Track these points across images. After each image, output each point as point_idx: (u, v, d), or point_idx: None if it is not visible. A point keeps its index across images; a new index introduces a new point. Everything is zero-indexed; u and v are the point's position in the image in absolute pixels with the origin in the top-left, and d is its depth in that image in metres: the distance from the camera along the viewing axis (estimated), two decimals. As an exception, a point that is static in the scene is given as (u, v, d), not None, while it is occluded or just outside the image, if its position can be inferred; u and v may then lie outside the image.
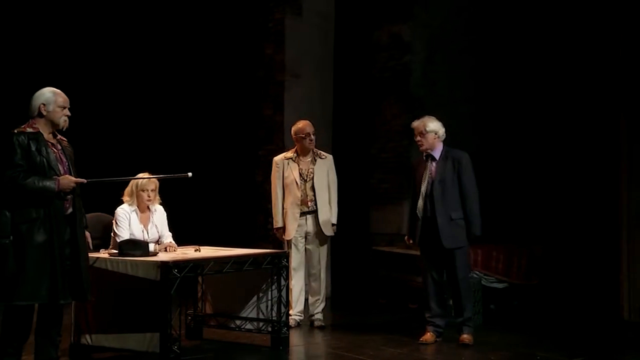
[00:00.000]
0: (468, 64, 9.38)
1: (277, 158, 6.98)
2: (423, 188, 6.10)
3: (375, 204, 9.30)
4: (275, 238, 7.34)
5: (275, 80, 9.03)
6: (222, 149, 9.86)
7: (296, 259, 6.87)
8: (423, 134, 6.12)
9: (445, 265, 6.16)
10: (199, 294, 6.47)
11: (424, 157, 6.23)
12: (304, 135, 6.83)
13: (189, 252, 5.90)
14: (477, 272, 7.86)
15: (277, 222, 6.88)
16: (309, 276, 7.03)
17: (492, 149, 9.29)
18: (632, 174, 7.26)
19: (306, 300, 7.14)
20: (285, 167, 6.85)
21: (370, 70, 9.39)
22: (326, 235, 6.90)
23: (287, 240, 6.89)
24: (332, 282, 8.85)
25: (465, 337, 6.18)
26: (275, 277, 6.04)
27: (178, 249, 6.00)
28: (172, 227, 6.18)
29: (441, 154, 6.18)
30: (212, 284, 6.38)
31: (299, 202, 6.79)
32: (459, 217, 6.07)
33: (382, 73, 9.28)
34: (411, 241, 6.27)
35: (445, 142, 6.31)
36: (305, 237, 6.90)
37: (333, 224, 6.94)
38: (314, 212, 6.83)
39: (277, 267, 6.01)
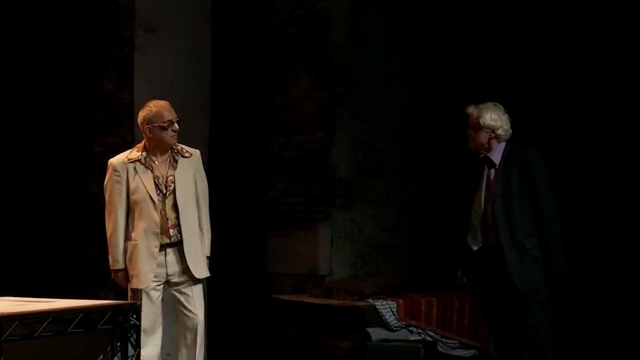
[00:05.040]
0: (415, 18, 9.56)
1: (116, 160, 6.83)
2: (479, 207, 6.56)
3: (276, 228, 9.32)
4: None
5: (120, 36, 8.87)
6: (36, 143, 9.53)
7: (150, 315, 6.68)
8: (476, 127, 6.56)
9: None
10: (-4, 371, 6.19)
11: (479, 161, 6.65)
12: (165, 124, 6.68)
13: (-23, 306, 5.56)
14: (431, 333, 8.04)
15: (116, 262, 6.77)
16: (173, 341, 6.92)
17: (447, 143, 9.33)
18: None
19: (170, 378, 7.13)
20: (130, 175, 6.75)
21: (268, 25, 9.44)
22: (198, 279, 6.77)
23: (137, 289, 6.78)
24: (210, 348, 8.42)
25: None
26: (118, 344, 5.85)
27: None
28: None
29: (502, 158, 6.55)
30: (17, 354, 5.79)
31: (158, 230, 6.66)
32: (534, 245, 6.42)
33: (286, 28, 9.30)
34: (465, 280, 6.65)
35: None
36: (167, 282, 6.75)
37: (207, 258, 6.87)
38: (179, 244, 6.70)
39: (122, 329, 5.78)
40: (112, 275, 6.82)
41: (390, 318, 7.95)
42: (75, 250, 9.09)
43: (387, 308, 7.98)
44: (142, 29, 8.78)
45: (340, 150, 9.22)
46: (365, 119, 9.26)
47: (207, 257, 6.82)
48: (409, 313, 8.02)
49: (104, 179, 7.23)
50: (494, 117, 6.52)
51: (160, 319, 6.73)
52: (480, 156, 6.58)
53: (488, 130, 6.51)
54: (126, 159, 6.72)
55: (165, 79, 8.67)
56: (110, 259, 6.76)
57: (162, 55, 8.85)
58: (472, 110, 6.59)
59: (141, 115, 6.75)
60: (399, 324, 7.97)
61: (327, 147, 9.11)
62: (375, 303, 8.00)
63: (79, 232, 9.07)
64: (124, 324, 5.76)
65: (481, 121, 6.51)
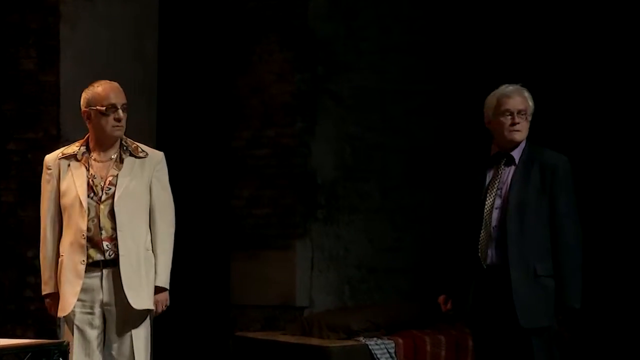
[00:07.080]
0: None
1: (50, 156, 6.69)
2: (485, 214, 6.32)
3: (242, 247, 9.33)
4: (45, 316, 7.32)
5: (42, 2, 8.89)
6: None
7: (83, 356, 6.38)
8: (527, 113, 6.29)
9: None
10: None
11: (492, 158, 6.45)
12: (104, 108, 6.48)
13: None
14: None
15: (46, 284, 6.55)
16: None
17: (460, 137, 9.35)
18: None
19: None
20: (63, 174, 6.59)
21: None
22: (140, 311, 6.41)
23: (63, 319, 6.46)
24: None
25: None
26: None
27: None
28: None
29: (522, 155, 6.33)
30: None
31: (84, 243, 6.40)
32: (547, 272, 6.18)
33: (256, -6, 9.52)
34: (449, 307, 6.47)
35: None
36: (102, 313, 6.43)
37: (162, 289, 6.51)
38: (114, 264, 6.41)
39: (47, 374, 5.93)
40: (46, 302, 6.54)
41: (386, 361, 7.93)
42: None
43: (382, 349, 8.00)
44: (72, -6, 8.92)
45: (323, 146, 9.28)
46: (353, 106, 9.23)
47: (163, 288, 6.48)
48: (411, 355, 8.11)
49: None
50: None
51: (99, 360, 6.61)
52: (497, 152, 6.28)
53: (530, 119, 6.28)
54: (60, 154, 6.56)
55: (101, 58, 8.73)
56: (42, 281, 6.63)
57: (97, 27, 8.90)
58: (519, 90, 6.22)
59: (82, 95, 6.56)
60: (398, 368, 8.05)
61: (306, 142, 9.12)
62: (368, 342, 7.98)
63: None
64: (48, 369, 5.81)
65: (532, 106, 6.24)
